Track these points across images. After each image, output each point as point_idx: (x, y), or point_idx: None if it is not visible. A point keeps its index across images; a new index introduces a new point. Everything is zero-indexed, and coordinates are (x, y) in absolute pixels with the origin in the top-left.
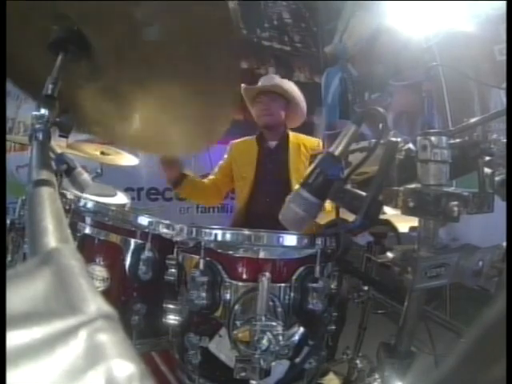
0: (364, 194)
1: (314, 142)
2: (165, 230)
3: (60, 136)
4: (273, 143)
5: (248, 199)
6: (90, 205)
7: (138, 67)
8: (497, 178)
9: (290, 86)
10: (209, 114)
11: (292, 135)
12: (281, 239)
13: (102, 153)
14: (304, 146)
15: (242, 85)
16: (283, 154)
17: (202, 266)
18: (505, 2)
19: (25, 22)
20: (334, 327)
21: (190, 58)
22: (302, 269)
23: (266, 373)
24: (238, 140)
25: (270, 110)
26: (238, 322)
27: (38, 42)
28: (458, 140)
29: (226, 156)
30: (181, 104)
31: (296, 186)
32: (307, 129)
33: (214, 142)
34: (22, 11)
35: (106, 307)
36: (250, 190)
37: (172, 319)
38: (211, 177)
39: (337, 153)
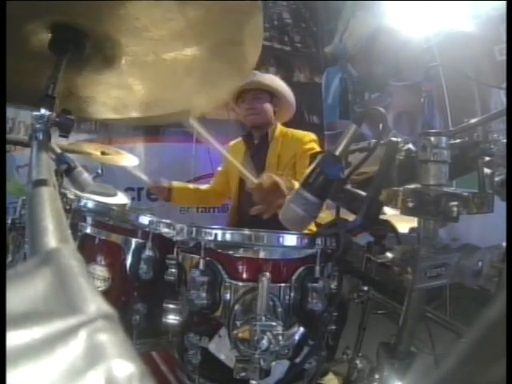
0: (364, 194)
1: (306, 136)
2: (165, 230)
3: (60, 136)
4: (257, 141)
5: (237, 199)
6: (90, 204)
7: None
8: (497, 179)
9: (271, 80)
10: (228, 68)
11: (279, 129)
12: (281, 239)
13: (103, 153)
14: (293, 137)
15: None
16: (265, 148)
17: (202, 265)
18: (505, 2)
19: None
20: (334, 327)
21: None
22: (301, 269)
23: (266, 373)
24: (234, 141)
25: (255, 109)
26: (238, 322)
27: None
28: (458, 140)
29: (223, 160)
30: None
31: (296, 186)
32: (308, 129)
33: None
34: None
35: (105, 307)
36: (238, 189)
37: (172, 319)
38: (211, 182)
39: (337, 153)
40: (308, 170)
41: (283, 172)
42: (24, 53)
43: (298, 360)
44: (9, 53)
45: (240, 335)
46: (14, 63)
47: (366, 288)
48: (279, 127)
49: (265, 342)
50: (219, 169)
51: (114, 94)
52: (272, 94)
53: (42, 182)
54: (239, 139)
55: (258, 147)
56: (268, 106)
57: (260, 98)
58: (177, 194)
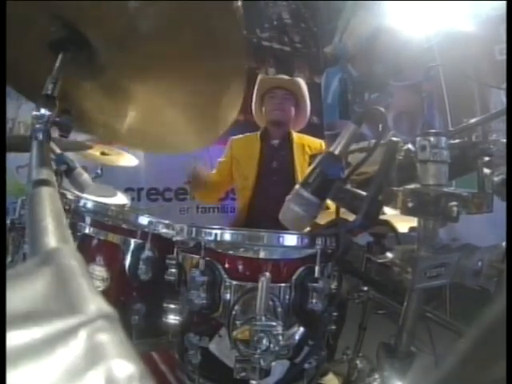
0: (364, 193)
1: (318, 144)
2: (165, 230)
3: (60, 136)
4: (276, 141)
5: (250, 199)
6: (89, 205)
7: (139, 59)
8: (496, 179)
9: (305, 87)
10: (215, 103)
11: (296, 135)
12: (281, 239)
13: (103, 153)
14: (308, 146)
15: (260, 75)
16: (288, 153)
17: (201, 265)
18: (505, 2)
19: (24, 23)
20: (334, 327)
21: (193, 44)
22: (302, 269)
23: (266, 373)
24: (239, 136)
25: (283, 106)
26: (237, 322)
27: (37, 44)
28: (457, 140)
29: (225, 152)
30: (185, 94)
31: (296, 186)
32: (307, 129)
33: (221, 132)
34: (21, 12)
35: (106, 307)
36: (253, 189)
37: (172, 319)
38: (211, 173)
39: (337, 152)
40: (308, 170)
41: None
42: (26, 45)
43: (297, 360)
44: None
45: (240, 335)
46: (14, 54)
47: (365, 288)
48: (294, 133)
49: (265, 342)
50: (220, 159)
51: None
52: (297, 101)
53: (42, 182)
54: (247, 135)
55: (277, 148)
56: (292, 108)
57: (288, 98)
58: (208, 189)
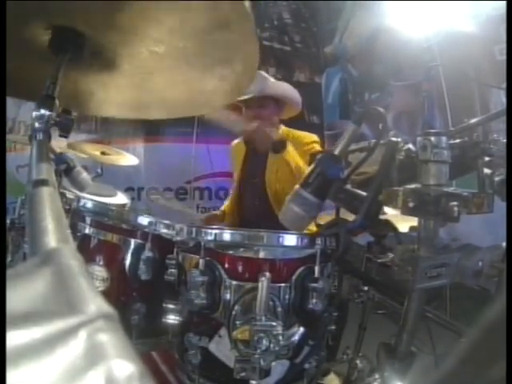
0: (364, 193)
1: (306, 137)
2: (165, 230)
3: (60, 136)
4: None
5: (235, 202)
6: (89, 205)
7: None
8: (496, 179)
9: (273, 88)
10: (232, 69)
11: (281, 131)
12: (281, 239)
13: (103, 153)
14: (293, 138)
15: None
16: (263, 155)
17: (201, 265)
18: (505, 2)
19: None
20: (334, 327)
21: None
22: (301, 269)
23: (266, 373)
24: (236, 141)
25: (261, 117)
26: (237, 322)
27: (35, 47)
28: (458, 140)
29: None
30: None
31: (296, 186)
32: (307, 129)
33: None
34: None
35: (106, 307)
36: (237, 192)
37: (172, 319)
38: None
39: (337, 152)
40: (308, 170)
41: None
42: (24, 52)
43: (297, 360)
44: (9, 51)
45: (240, 335)
46: (14, 61)
47: (366, 288)
48: (282, 128)
49: (265, 342)
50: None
51: (128, 94)
52: (277, 98)
53: (42, 182)
54: (240, 139)
55: (256, 153)
56: (272, 112)
57: (264, 105)
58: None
